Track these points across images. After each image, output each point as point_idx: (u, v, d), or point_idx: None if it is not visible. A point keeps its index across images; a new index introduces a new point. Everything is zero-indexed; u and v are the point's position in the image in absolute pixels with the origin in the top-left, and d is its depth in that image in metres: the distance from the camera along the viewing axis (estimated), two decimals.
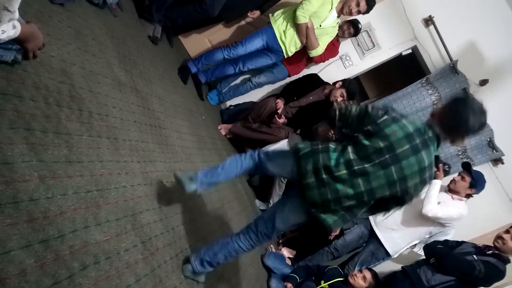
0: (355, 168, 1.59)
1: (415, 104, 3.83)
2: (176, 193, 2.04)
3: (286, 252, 3.42)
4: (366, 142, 1.59)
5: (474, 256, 2.66)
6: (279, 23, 3.24)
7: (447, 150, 3.78)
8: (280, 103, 3.55)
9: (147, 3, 2.91)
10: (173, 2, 2.91)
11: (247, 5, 3.41)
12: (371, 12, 3.28)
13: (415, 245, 3.32)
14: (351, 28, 3.55)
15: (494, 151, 3.72)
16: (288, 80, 3.86)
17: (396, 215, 3.18)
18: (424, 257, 2.97)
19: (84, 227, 1.21)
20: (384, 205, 1.71)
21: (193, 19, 3.13)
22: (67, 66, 1.59)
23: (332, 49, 3.71)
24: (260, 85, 3.80)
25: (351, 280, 2.80)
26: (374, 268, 3.04)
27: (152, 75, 2.59)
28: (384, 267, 3.44)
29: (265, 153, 1.86)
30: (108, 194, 1.42)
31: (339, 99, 3.45)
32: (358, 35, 3.71)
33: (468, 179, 3.01)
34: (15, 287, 0.89)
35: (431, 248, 2.90)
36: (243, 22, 3.76)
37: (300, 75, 3.84)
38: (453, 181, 3.08)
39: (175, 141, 2.43)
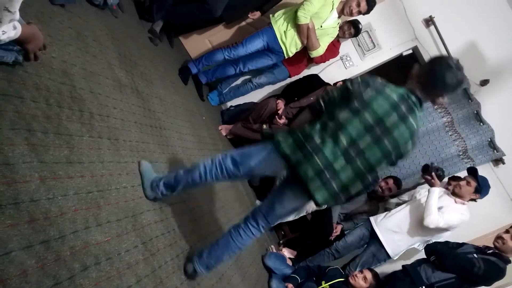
0: (351, 153, 1.58)
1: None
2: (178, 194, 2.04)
3: (287, 253, 3.42)
4: (355, 122, 1.58)
5: (475, 255, 2.66)
6: (279, 24, 3.24)
7: (448, 151, 3.78)
8: (281, 104, 3.55)
9: (148, 4, 2.91)
10: (174, 2, 2.91)
11: (247, 6, 3.42)
12: (371, 12, 3.28)
13: None
14: (351, 29, 3.55)
15: (495, 151, 3.71)
16: (288, 80, 3.87)
17: (397, 218, 3.18)
18: (424, 255, 2.98)
19: (85, 227, 1.21)
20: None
21: (195, 18, 3.13)
22: (68, 67, 1.59)
23: (332, 50, 3.71)
24: (260, 85, 3.80)
25: (351, 281, 2.79)
26: (375, 268, 3.04)
27: (152, 76, 2.59)
28: (385, 267, 3.44)
29: (234, 162, 1.73)
30: (109, 195, 1.43)
31: None
32: (359, 36, 3.71)
33: (473, 184, 2.99)
34: None
35: (431, 247, 2.90)
36: (243, 23, 3.76)
37: (301, 75, 3.84)
38: (458, 185, 3.06)
39: (176, 142, 2.43)
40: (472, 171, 3.05)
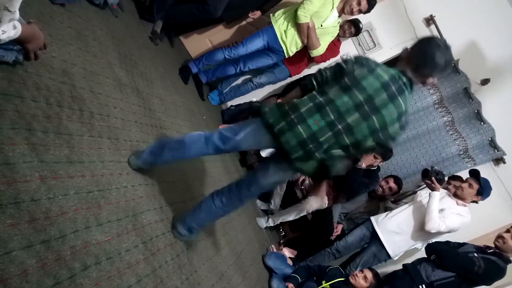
0: (339, 126, 1.59)
1: (417, 103, 3.83)
2: (177, 193, 2.04)
3: (287, 252, 3.42)
4: (345, 98, 1.58)
5: (475, 254, 2.66)
6: (280, 23, 3.24)
7: (449, 150, 3.78)
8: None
9: (148, 4, 2.91)
10: (174, 1, 2.91)
11: (248, 5, 3.41)
12: (372, 11, 3.28)
13: None
14: (352, 28, 3.55)
15: (496, 150, 3.71)
16: (289, 80, 3.86)
17: (399, 219, 3.18)
18: (425, 255, 2.98)
19: (85, 227, 1.21)
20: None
21: (195, 18, 3.13)
22: (68, 67, 1.59)
23: (333, 49, 3.70)
24: (261, 85, 3.80)
25: (352, 280, 2.79)
26: (375, 268, 3.03)
27: (153, 75, 2.59)
28: (386, 267, 3.44)
29: (222, 138, 1.73)
30: (109, 195, 1.42)
31: None
32: (359, 35, 3.71)
33: (476, 186, 2.99)
34: None
35: (432, 246, 2.91)
36: (243, 22, 3.76)
37: (301, 75, 3.84)
38: (460, 187, 3.06)
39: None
40: (475, 174, 3.05)
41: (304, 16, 3.11)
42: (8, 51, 1.19)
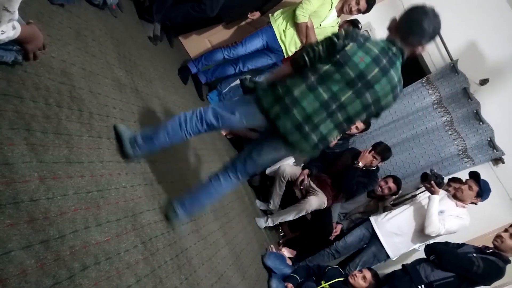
0: (334, 106, 1.61)
1: (416, 103, 3.84)
2: (176, 193, 2.04)
3: (286, 252, 3.42)
4: (338, 77, 1.59)
5: (474, 255, 2.66)
6: (279, 23, 3.24)
7: (448, 150, 3.78)
8: None
9: (147, 4, 2.91)
10: (173, 2, 2.91)
11: (247, 6, 3.41)
12: (371, 11, 3.28)
13: None
14: (351, 28, 3.55)
15: (495, 150, 3.72)
16: None
17: (398, 220, 3.18)
18: (424, 255, 2.98)
19: (84, 227, 1.21)
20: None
21: (191, 19, 3.12)
22: (67, 67, 1.59)
23: None
24: None
25: (351, 280, 2.79)
26: (374, 268, 3.04)
27: (152, 75, 2.59)
28: (385, 267, 3.44)
29: (216, 116, 1.73)
30: (109, 195, 1.42)
31: None
32: None
33: (475, 188, 3.00)
34: None
35: (431, 247, 2.91)
36: (243, 23, 3.76)
37: None
38: (460, 189, 3.07)
39: None
40: (474, 176, 3.05)
41: (302, 16, 3.11)
42: (7, 51, 1.19)
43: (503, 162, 3.73)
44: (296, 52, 3.46)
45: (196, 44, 3.80)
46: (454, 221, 2.99)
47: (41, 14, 1.61)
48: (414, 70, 4.22)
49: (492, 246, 2.71)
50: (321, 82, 1.60)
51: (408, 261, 3.08)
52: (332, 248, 3.36)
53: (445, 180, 3.39)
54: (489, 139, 3.72)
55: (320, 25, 3.26)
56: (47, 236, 1.05)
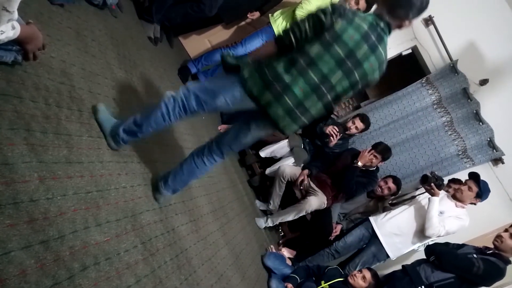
0: (324, 89, 1.58)
1: (415, 104, 3.83)
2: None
3: (286, 253, 3.42)
4: (327, 57, 1.54)
5: (474, 255, 2.66)
6: (278, 23, 3.24)
7: (447, 150, 3.78)
8: None
9: (147, 4, 2.91)
10: (172, 2, 2.91)
11: (247, 6, 3.42)
12: (370, 11, 3.27)
13: None
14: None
15: (494, 150, 3.72)
16: None
17: (398, 220, 3.18)
18: (424, 256, 2.98)
19: (84, 228, 1.21)
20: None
21: (191, 19, 3.13)
22: (67, 67, 1.59)
23: None
24: None
25: (350, 280, 2.79)
26: (374, 268, 3.04)
27: (152, 76, 2.59)
28: (385, 267, 3.44)
29: (199, 102, 1.64)
30: (108, 195, 1.42)
31: None
32: None
33: (475, 189, 3.00)
34: None
35: (431, 247, 2.91)
36: (242, 23, 3.76)
37: None
38: (459, 190, 3.07)
39: (175, 142, 2.43)
40: (474, 176, 3.05)
41: (302, 16, 3.11)
42: (7, 51, 1.19)
43: (502, 163, 3.73)
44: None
45: (196, 44, 3.80)
46: (453, 222, 3.00)
47: (40, 14, 1.61)
48: (414, 70, 4.22)
49: (492, 246, 2.71)
50: (311, 65, 1.55)
51: (408, 261, 3.07)
52: (332, 248, 3.36)
53: (445, 181, 3.39)
54: (488, 139, 3.72)
55: None
56: (46, 237, 1.05)
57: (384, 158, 3.40)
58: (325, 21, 1.53)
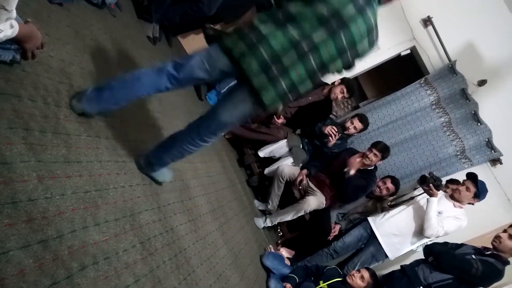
0: (305, 47, 1.45)
1: (414, 104, 3.84)
2: (175, 193, 2.04)
3: (285, 253, 3.42)
4: (308, 14, 1.44)
5: (473, 256, 2.66)
6: None
7: (446, 151, 3.79)
8: None
9: (146, 3, 2.90)
10: (171, 1, 2.90)
11: (246, 6, 3.41)
12: None
13: None
14: None
15: (493, 151, 3.73)
16: None
17: (397, 220, 3.19)
18: (423, 256, 2.98)
19: (82, 227, 1.20)
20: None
21: (190, 18, 3.12)
22: (65, 66, 1.59)
23: None
24: None
25: (349, 280, 2.80)
26: (372, 268, 3.04)
27: None
28: (383, 267, 3.45)
29: (175, 66, 1.57)
30: (107, 194, 1.42)
31: (339, 95, 3.47)
32: None
33: (473, 189, 3.02)
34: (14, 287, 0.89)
35: (430, 247, 2.91)
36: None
37: None
38: (457, 190, 3.08)
39: None
40: (472, 177, 3.06)
41: None
42: (6, 50, 1.18)
43: (500, 163, 3.75)
44: None
45: (195, 43, 3.79)
46: (452, 222, 3.01)
47: (39, 13, 1.60)
48: (413, 71, 4.23)
49: (490, 246, 2.72)
50: (289, 19, 1.45)
51: (407, 261, 3.08)
52: (331, 248, 3.37)
53: (443, 182, 3.40)
54: (487, 140, 3.73)
55: None
56: (45, 236, 1.04)
57: (383, 157, 3.40)
58: None
